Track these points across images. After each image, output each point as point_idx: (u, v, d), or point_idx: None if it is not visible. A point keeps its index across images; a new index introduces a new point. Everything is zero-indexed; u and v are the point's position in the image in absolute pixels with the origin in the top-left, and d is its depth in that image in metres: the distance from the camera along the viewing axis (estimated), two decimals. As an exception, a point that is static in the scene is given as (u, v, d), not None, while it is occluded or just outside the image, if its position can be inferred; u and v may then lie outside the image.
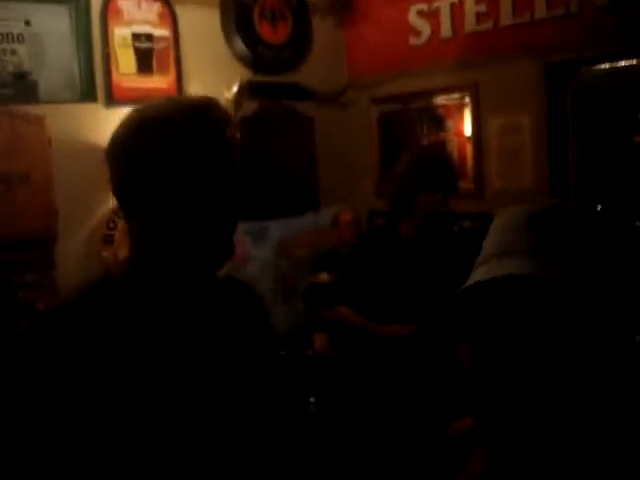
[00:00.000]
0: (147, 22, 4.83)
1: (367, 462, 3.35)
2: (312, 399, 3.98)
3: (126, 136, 1.37)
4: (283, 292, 5.65)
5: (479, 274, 1.06)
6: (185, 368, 1.34)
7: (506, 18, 4.77)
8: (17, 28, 4.32)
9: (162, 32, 4.90)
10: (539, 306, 1.00)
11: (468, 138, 5.18)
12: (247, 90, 5.27)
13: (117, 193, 1.37)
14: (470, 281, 1.07)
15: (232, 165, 1.42)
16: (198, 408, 1.33)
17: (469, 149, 5.17)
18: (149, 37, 4.83)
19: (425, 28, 5.32)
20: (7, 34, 4.29)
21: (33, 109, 4.32)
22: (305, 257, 5.65)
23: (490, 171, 5.03)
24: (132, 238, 1.39)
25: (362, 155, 5.96)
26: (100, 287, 1.38)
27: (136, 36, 4.77)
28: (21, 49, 4.34)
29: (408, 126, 5.61)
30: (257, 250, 5.49)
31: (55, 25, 4.48)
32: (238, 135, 5.26)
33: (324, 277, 4.47)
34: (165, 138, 1.33)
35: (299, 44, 5.68)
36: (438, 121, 5.40)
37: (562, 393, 1.01)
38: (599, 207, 5.46)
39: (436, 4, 5.21)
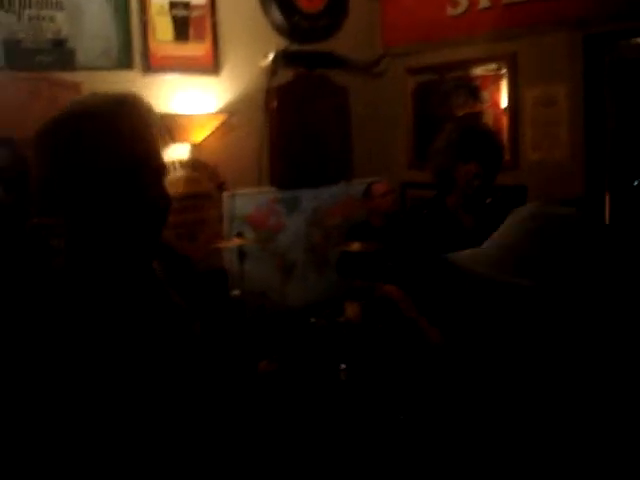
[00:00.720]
0: (184, -10, 4.84)
1: (395, 430, 3.39)
2: (343, 366, 4.02)
3: (49, 133, 1.36)
4: (315, 261, 5.69)
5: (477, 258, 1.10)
6: (118, 343, 1.35)
7: (545, -12, 4.71)
8: (56, -5, 4.36)
9: (199, 0, 4.91)
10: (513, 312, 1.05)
11: (504, 110, 5.15)
12: (282, 59, 5.28)
13: (40, 191, 1.38)
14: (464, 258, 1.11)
15: (157, 160, 1.41)
16: (129, 378, 1.35)
17: (505, 121, 5.14)
18: (186, 5, 4.84)
19: (463, -2, 5.27)
20: (46, 1, 4.33)
21: (70, 76, 4.36)
22: (337, 227, 5.68)
23: (526, 143, 5.00)
24: (63, 233, 1.40)
25: (396, 126, 5.94)
26: (43, 278, 1.40)
27: (173, 4, 4.79)
28: (59, 16, 4.38)
29: (443, 97, 5.57)
30: (290, 219, 5.53)
31: (93, -8, 4.52)
32: (275, 103, 5.25)
33: (356, 246, 4.49)
34: (88, 131, 1.33)
35: (335, 12, 5.66)
36: (474, 92, 5.36)
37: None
38: (636, 183, 5.40)
39: (474, -27, 5.16)
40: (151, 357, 1.39)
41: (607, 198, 4.65)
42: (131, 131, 1.36)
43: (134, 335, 1.37)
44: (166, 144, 4.75)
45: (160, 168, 1.43)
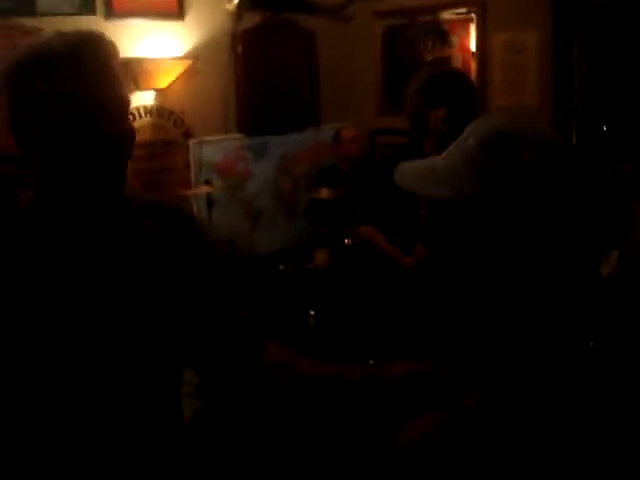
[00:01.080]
0: None
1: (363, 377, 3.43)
2: (312, 312, 4.04)
3: (14, 74, 1.37)
4: (284, 208, 5.67)
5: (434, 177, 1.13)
6: (83, 265, 1.42)
7: None
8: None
9: (162, -59, 4.79)
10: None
11: (473, 54, 5.12)
12: (248, 2, 5.18)
13: (12, 129, 1.40)
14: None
15: (120, 95, 1.43)
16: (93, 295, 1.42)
17: (473, 65, 5.11)
18: (149, -54, 4.72)
19: (432, -61, 5.19)
20: (4, -57, 4.21)
21: (31, 22, 4.26)
22: (305, 173, 5.66)
23: (494, 88, 4.99)
24: (33, 170, 1.43)
25: (365, 70, 5.89)
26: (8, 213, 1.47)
27: (135, -55, 4.66)
28: (18, -41, 4.25)
29: (412, 41, 5.52)
30: (258, 166, 5.49)
31: None
32: (241, 48, 5.15)
33: (325, 193, 4.48)
34: (51, 73, 1.34)
35: (302, -46, 5.55)
36: (443, 36, 5.32)
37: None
38: (604, 128, 5.42)
39: None
40: (102, 278, 1.45)
41: (575, 143, 4.66)
42: (93, 72, 1.37)
43: (89, 259, 1.44)
44: (130, 91, 4.67)
45: (123, 106, 1.45)
